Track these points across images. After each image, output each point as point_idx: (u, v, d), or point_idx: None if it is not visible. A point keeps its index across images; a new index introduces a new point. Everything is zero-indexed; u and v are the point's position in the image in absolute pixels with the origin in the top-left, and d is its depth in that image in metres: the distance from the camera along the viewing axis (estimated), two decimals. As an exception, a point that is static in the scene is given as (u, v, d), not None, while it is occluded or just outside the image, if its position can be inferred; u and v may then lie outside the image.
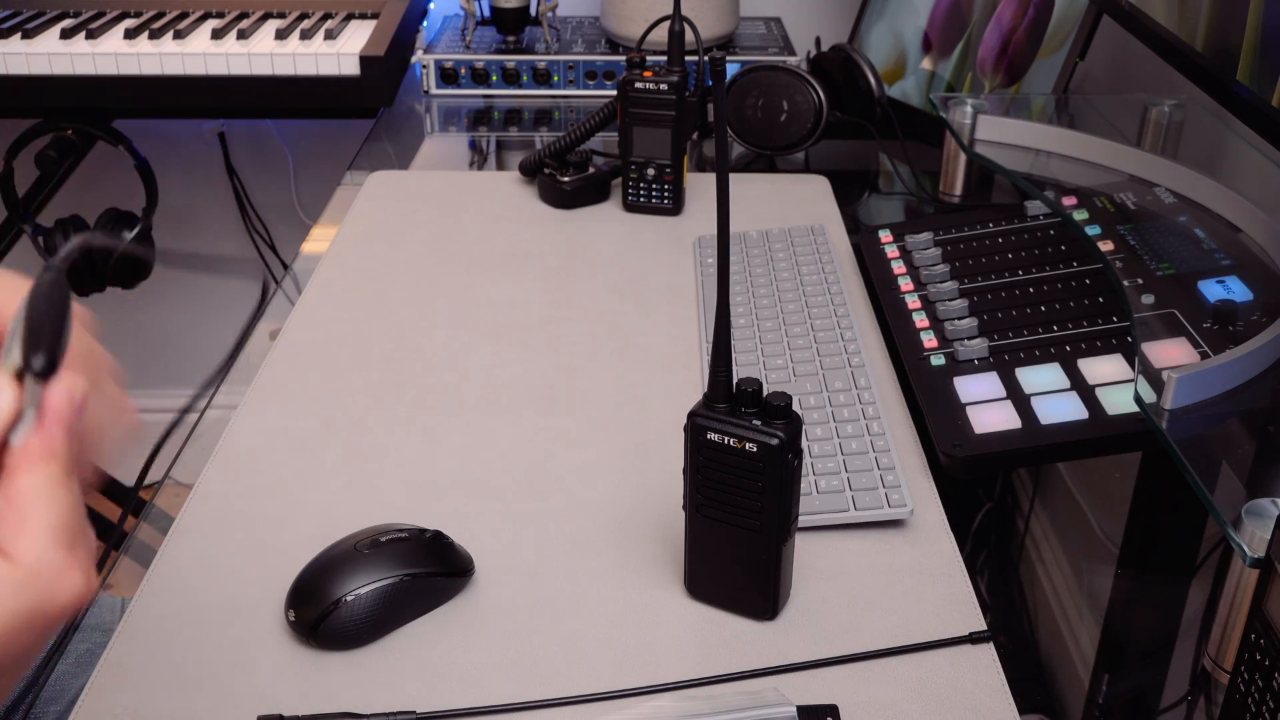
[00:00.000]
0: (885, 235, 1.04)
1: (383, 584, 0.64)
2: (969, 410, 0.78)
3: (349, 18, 1.59)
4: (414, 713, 0.60)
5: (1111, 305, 0.86)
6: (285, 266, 1.89)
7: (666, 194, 1.16)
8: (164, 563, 0.71)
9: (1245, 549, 0.56)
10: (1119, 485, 0.84)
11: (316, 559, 0.67)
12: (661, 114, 1.13)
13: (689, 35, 1.17)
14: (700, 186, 1.22)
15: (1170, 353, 0.76)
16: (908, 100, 1.43)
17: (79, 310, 0.40)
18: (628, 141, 1.15)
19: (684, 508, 0.65)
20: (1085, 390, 0.78)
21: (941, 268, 0.96)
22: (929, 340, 0.87)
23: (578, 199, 1.19)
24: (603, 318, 0.99)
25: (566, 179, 1.18)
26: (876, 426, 0.79)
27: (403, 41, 1.54)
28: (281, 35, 1.49)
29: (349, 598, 0.64)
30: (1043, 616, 0.73)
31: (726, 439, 0.61)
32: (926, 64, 1.43)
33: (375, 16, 1.59)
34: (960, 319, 0.88)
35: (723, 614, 0.67)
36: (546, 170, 1.20)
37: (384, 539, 0.66)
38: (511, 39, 1.59)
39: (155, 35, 1.48)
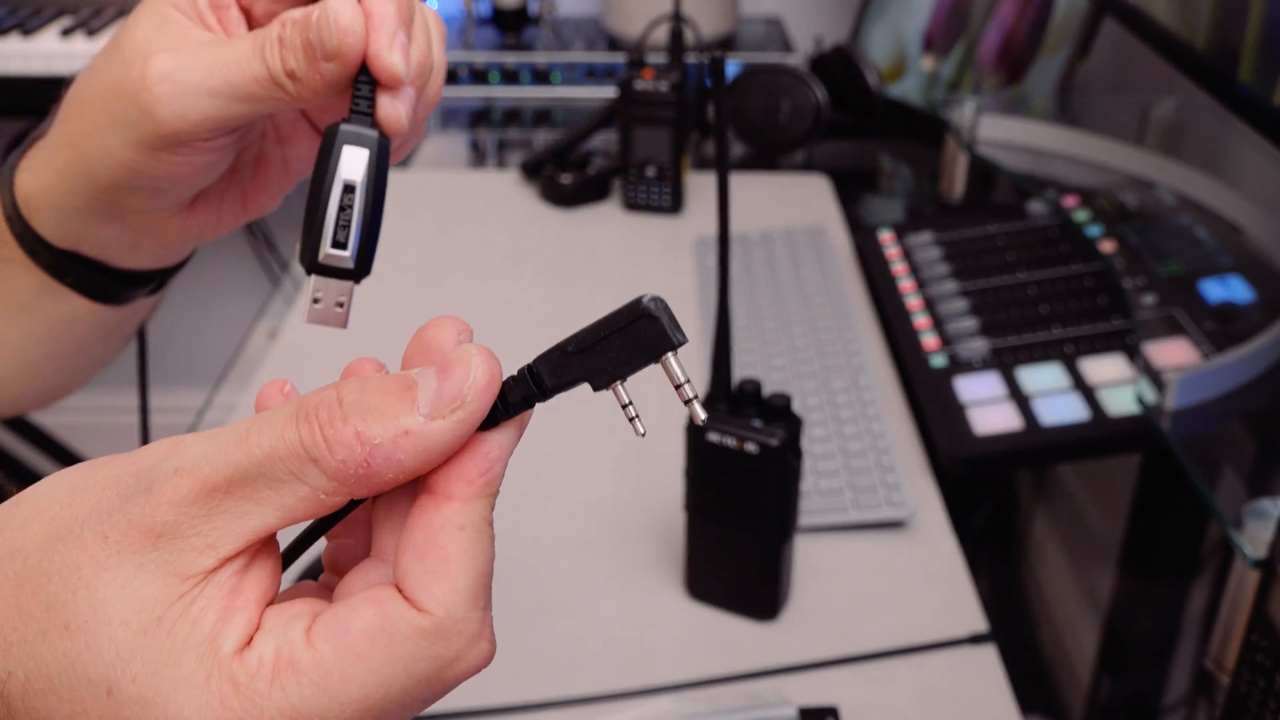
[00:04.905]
0: (886, 235, 1.04)
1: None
2: (970, 411, 0.78)
3: (349, 17, 1.59)
4: (413, 714, 0.60)
5: (1113, 305, 0.85)
6: (284, 266, 1.89)
7: (666, 193, 1.16)
8: (163, 563, 0.71)
9: (1247, 549, 0.56)
10: (1119, 485, 0.84)
11: (317, 559, 0.66)
12: (661, 114, 1.13)
13: (689, 35, 1.17)
14: (700, 186, 1.22)
15: (1172, 353, 0.75)
16: (908, 100, 1.43)
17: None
18: (628, 141, 1.15)
19: (684, 508, 0.65)
20: (1086, 391, 0.78)
21: (942, 268, 0.96)
22: (930, 340, 0.87)
23: (578, 198, 1.19)
24: (603, 318, 0.99)
25: (566, 178, 1.18)
26: (877, 427, 0.79)
27: (402, 41, 1.53)
28: (281, 34, 1.49)
29: (348, 598, 0.63)
30: (1044, 617, 0.73)
31: (726, 440, 0.61)
32: (927, 64, 1.43)
33: (375, 16, 1.58)
34: (961, 319, 0.88)
35: (723, 615, 0.67)
36: (546, 170, 1.20)
37: (383, 539, 0.66)
38: (511, 38, 1.59)
39: (155, 34, 1.48)
